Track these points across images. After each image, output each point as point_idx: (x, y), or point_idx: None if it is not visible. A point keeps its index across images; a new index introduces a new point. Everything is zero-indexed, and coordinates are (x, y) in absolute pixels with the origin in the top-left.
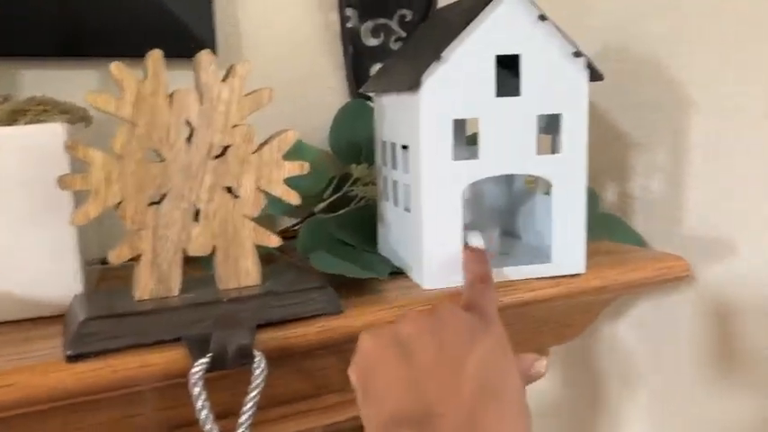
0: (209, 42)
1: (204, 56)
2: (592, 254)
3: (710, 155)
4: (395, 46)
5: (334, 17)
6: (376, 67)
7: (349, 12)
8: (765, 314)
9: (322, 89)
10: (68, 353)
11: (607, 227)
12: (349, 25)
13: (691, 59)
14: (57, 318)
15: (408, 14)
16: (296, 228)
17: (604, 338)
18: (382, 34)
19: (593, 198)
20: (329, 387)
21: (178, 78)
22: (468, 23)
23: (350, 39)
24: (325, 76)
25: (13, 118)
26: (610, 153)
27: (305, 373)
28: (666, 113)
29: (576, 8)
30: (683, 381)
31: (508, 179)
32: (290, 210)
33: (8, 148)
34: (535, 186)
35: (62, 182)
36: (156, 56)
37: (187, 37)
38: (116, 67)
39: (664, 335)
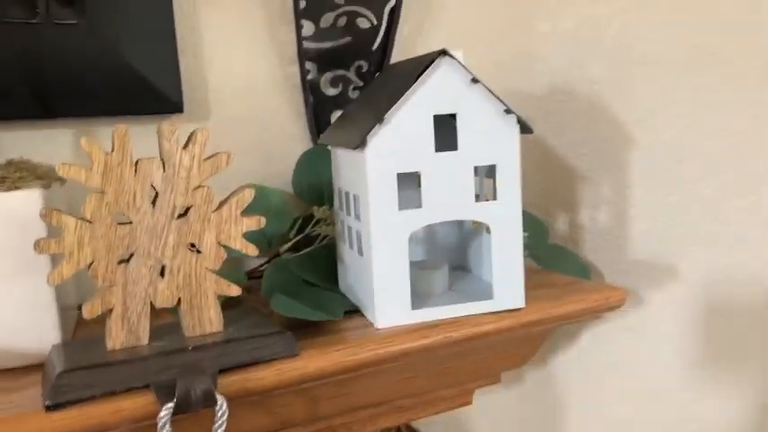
0: (176, 98)
1: (166, 126)
2: (534, 288)
3: (650, 187)
4: (353, 94)
5: (295, 70)
6: (336, 114)
7: (309, 65)
8: (705, 327)
9: (285, 136)
10: (46, 403)
11: (556, 258)
12: (309, 77)
13: (631, 100)
14: (37, 367)
15: (365, 65)
16: (263, 267)
17: (558, 353)
18: (341, 84)
19: (543, 231)
20: (292, 421)
21: (147, 135)
22: (408, 87)
23: (310, 89)
24: (288, 125)
25: None
26: (560, 187)
27: (268, 409)
28: (610, 149)
29: (526, 54)
30: (640, 393)
31: None
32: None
33: None
34: (480, 226)
35: (38, 246)
36: (121, 130)
37: (155, 95)
38: (85, 141)
39: (621, 350)
